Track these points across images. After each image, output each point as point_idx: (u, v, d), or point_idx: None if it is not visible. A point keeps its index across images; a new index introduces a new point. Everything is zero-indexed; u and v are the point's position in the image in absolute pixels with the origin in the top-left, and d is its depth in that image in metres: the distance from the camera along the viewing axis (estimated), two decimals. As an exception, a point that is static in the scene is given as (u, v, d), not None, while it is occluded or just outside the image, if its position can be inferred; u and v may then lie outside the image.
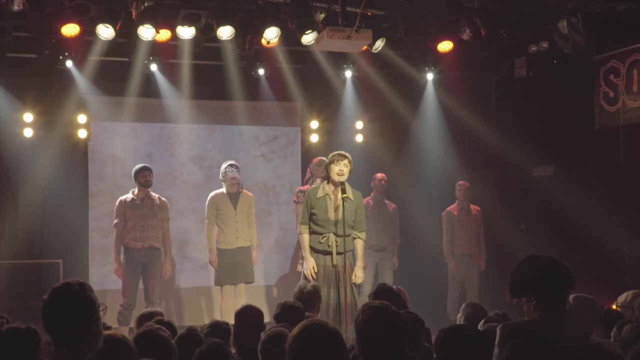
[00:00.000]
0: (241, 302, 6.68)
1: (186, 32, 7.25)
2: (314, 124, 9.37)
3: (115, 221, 7.45)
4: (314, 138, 9.38)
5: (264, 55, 8.27)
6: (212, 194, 7.60)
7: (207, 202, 7.57)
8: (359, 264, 6.13)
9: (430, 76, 9.00)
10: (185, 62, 8.30)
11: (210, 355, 3.39)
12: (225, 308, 7.36)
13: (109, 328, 3.90)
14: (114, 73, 8.24)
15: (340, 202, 5.92)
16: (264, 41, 7.64)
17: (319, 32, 6.87)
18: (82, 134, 8.48)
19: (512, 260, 3.36)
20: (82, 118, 8.46)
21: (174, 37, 7.39)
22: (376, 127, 9.51)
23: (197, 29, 7.27)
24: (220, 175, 7.59)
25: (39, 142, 8.31)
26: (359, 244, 6.14)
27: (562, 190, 8.15)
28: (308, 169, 8.01)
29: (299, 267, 7.34)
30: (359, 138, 9.56)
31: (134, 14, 6.89)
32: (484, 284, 8.48)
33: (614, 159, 8.03)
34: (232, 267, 7.46)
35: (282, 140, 9.37)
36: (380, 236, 8.44)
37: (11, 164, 8.20)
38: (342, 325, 5.73)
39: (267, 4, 7.31)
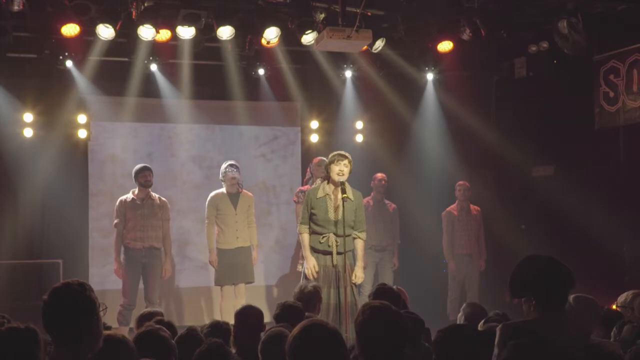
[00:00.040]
0: (241, 302, 6.68)
1: (186, 32, 7.25)
2: (314, 124, 9.36)
3: (115, 221, 7.45)
4: (314, 138, 9.38)
5: (264, 55, 8.27)
6: (212, 194, 7.60)
7: (207, 202, 7.57)
8: (359, 264, 6.12)
9: (430, 76, 9.00)
10: (185, 62, 8.30)
11: (211, 355, 3.39)
12: (225, 308, 7.36)
13: (109, 328, 3.90)
14: (114, 73, 8.24)
15: (340, 202, 5.92)
16: (264, 41, 7.64)
17: (319, 32, 6.87)
18: (82, 134, 8.49)
19: (512, 260, 3.36)
20: (82, 118, 8.46)
21: (174, 37, 7.39)
22: (376, 127, 9.51)
23: (197, 29, 7.27)
24: (220, 175, 7.59)
25: (39, 142, 8.31)
26: (359, 244, 6.14)
27: (562, 190, 8.15)
28: (308, 169, 8.00)
29: (299, 267, 7.34)
30: (359, 138, 9.56)
31: (134, 14, 6.89)
32: (484, 284, 8.48)
33: (614, 159, 8.03)
34: (232, 267, 7.46)
35: (282, 140, 9.36)
36: (380, 236, 8.44)
37: (11, 164, 8.20)
38: (342, 325, 5.73)
39: (267, 4, 7.31)
